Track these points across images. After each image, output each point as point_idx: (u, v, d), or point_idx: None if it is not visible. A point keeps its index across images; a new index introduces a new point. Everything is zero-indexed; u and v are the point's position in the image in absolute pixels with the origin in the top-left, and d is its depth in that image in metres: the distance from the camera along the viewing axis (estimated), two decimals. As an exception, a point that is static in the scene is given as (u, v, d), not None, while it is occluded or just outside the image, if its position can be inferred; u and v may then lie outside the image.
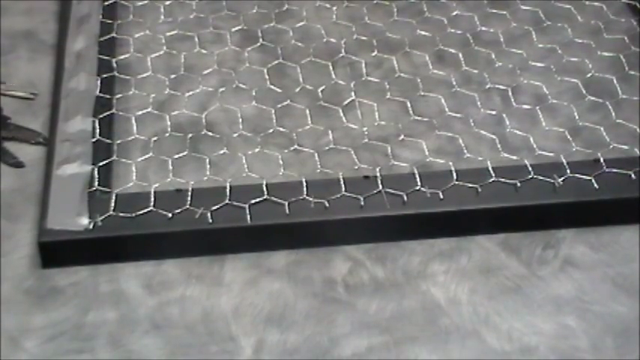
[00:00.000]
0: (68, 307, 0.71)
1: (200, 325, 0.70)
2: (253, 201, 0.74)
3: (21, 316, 0.70)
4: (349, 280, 0.73)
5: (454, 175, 0.77)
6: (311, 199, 0.75)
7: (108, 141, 0.82)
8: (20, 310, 0.70)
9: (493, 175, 0.77)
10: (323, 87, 0.87)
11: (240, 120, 0.84)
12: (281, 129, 0.83)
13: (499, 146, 0.82)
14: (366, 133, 0.83)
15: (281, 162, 0.80)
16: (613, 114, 0.85)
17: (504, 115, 0.86)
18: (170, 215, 0.74)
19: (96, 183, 0.76)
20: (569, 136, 0.83)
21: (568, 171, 0.77)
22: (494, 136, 0.83)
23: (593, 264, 0.74)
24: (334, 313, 0.71)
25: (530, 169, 0.77)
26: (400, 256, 0.75)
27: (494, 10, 0.97)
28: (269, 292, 0.72)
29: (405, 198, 0.75)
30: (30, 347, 0.68)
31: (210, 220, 0.73)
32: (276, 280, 0.73)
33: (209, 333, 0.69)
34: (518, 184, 0.76)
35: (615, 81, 0.88)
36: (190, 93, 0.88)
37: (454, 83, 0.89)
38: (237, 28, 0.94)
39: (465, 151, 0.82)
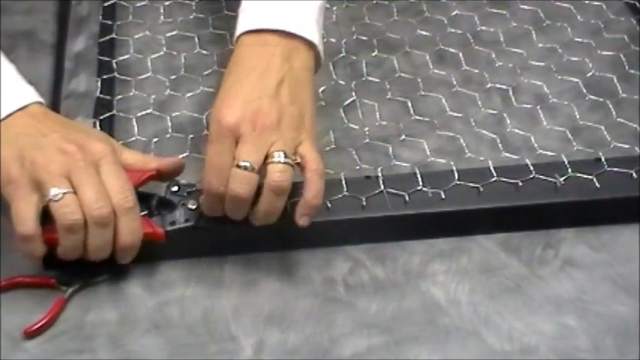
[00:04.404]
0: (68, 306, 0.71)
1: (200, 325, 0.70)
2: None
3: (21, 316, 0.70)
4: (349, 280, 0.73)
5: (455, 175, 0.77)
6: None
7: None
8: (20, 309, 0.70)
9: (494, 174, 0.77)
10: (324, 87, 0.87)
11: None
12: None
13: (500, 146, 0.82)
14: (367, 133, 0.83)
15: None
16: (614, 113, 0.85)
17: (505, 115, 0.85)
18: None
19: None
20: (570, 136, 0.83)
21: (569, 170, 0.77)
22: (495, 136, 0.83)
23: (593, 264, 0.74)
24: (334, 313, 0.71)
25: (531, 168, 0.77)
26: (400, 256, 0.75)
27: (495, 10, 0.97)
28: (269, 292, 0.72)
29: (407, 198, 0.75)
30: (30, 347, 0.68)
31: (213, 220, 0.73)
32: (276, 280, 0.73)
33: (209, 333, 0.69)
34: (520, 184, 0.76)
35: (615, 80, 0.88)
36: (191, 94, 0.88)
37: (454, 83, 0.89)
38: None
39: (466, 150, 0.81)
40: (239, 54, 0.74)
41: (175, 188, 0.74)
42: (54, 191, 0.66)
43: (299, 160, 0.69)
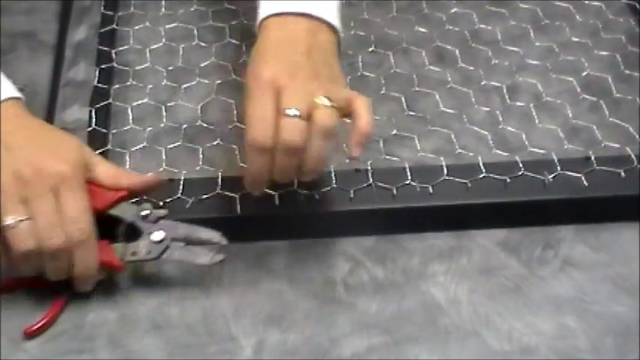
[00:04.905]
0: (68, 307, 0.70)
1: (200, 325, 0.70)
2: (244, 192, 0.74)
3: (21, 316, 0.69)
4: (349, 280, 0.73)
5: (444, 170, 0.77)
6: (301, 191, 0.75)
7: (104, 130, 0.82)
8: (20, 310, 0.70)
9: (484, 171, 0.77)
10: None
11: (235, 113, 0.84)
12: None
13: (492, 143, 0.82)
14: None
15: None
16: (607, 113, 0.85)
17: (499, 113, 0.85)
18: (161, 204, 0.74)
19: None
20: (562, 134, 0.83)
21: (559, 168, 0.77)
22: (488, 134, 0.83)
23: (593, 264, 0.74)
24: (334, 314, 0.71)
25: (520, 165, 0.77)
26: (400, 256, 0.75)
27: (494, 9, 0.97)
28: (269, 292, 0.72)
29: (395, 192, 0.75)
30: (30, 347, 0.68)
31: (201, 210, 0.74)
32: (276, 281, 0.73)
33: (209, 333, 0.69)
34: (508, 180, 0.76)
35: (610, 80, 0.88)
36: (187, 85, 0.88)
37: (450, 80, 0.89)
38: (236, 22, 0.94)
39: (458, 147, 0.82)
40: (264, 34, 0.72)
41: (146, 212, 0.71)
42: (8, 219, 0.65)
43: (341, 104, 0.68)
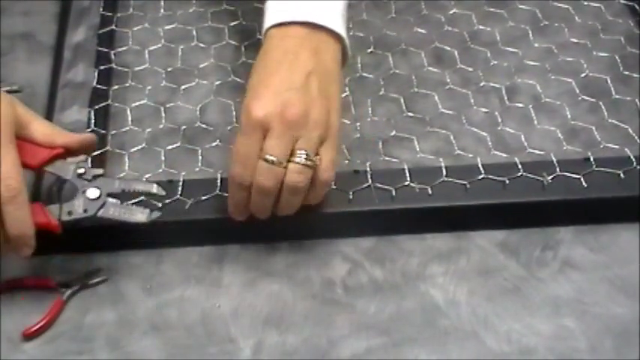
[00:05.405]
0: (67, 308, 0.71)
1: (199, 326, 0.70)
2: None
3: (20, 318, 0.69)
4: (348, 281, 0.73)
5: (444, 171, 0.77)
6: None
7: (103, 131, 0.82)
8: (19, 311, 0.70)
9: (482, 172, 0.77)
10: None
11: (234, 113, 0.84)
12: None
13: (491, 144, 0.82)
14: (359, 128, 0.83)
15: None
16: (606, 114, 0.85)
17: (498, 114, 0.85)
18: (160, 205, 0.73)
19: None
20: (561, 136, 0.83)
21: (558, 169, 0.77)
22: (487, 135, 0.83)
23: (592, 265, 0.74)
24: (333, 315, 0.71)
25: (519, 166, 0.77)
26: (399, 257, 0.75)
27: (492, 10, 0.97)
28: (268, 293, 0.72)
29: (394, 193, 0.75)
30: (29, 349, 0.68)
31: (200, 211, 0.74)
32: (275, 282, 0.73)
33: (208, 334, 0.69)
34: (507, 181, 0.76)
35: (609, 81, 0.88)
36: (186, 86, 0.88)
37: (448, 81, 0.89)
38: (234, 23, 0.94)
39: (457, 148, 0.82)
40: (267, 47, 0.73)
41: (82, 170, 0.70)
42: None
43: (318, 163, 0.70)
